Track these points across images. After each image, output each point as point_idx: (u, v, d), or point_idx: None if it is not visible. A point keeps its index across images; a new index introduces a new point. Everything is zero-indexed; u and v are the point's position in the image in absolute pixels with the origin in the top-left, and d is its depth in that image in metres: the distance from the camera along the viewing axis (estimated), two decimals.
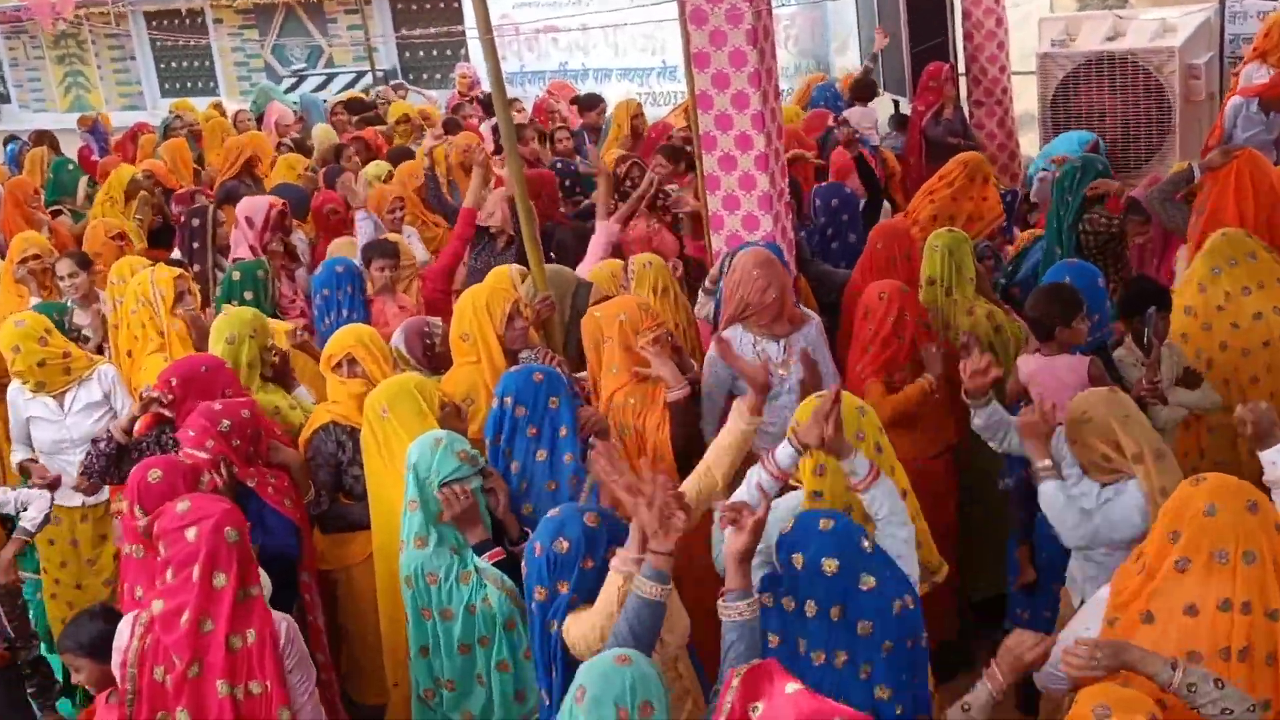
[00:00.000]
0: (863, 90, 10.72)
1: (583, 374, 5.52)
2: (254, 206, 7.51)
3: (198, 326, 6.09)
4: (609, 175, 7.59)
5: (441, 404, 4.61)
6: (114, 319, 6.59)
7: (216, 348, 5.47)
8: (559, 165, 8.62)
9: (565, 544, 3.49)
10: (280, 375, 5.63)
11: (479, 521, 4.20)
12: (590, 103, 11.78)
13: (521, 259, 6.38)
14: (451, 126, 11.04)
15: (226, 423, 4.60)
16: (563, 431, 4.53)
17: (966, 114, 10.39)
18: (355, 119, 12.71)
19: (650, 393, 5.09)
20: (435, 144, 9.33)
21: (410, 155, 9.83)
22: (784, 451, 3.88)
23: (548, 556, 3.50)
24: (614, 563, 3.44)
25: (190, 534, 3.74)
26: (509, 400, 4.50)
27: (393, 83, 16.61)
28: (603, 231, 7.18)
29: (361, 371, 5.12)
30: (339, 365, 5.13)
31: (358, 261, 6.78)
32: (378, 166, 9.19)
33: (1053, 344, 5.09)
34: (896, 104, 11.38)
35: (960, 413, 5.15)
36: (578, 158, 9.58)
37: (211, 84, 23.26)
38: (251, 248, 7.34)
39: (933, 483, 5.35)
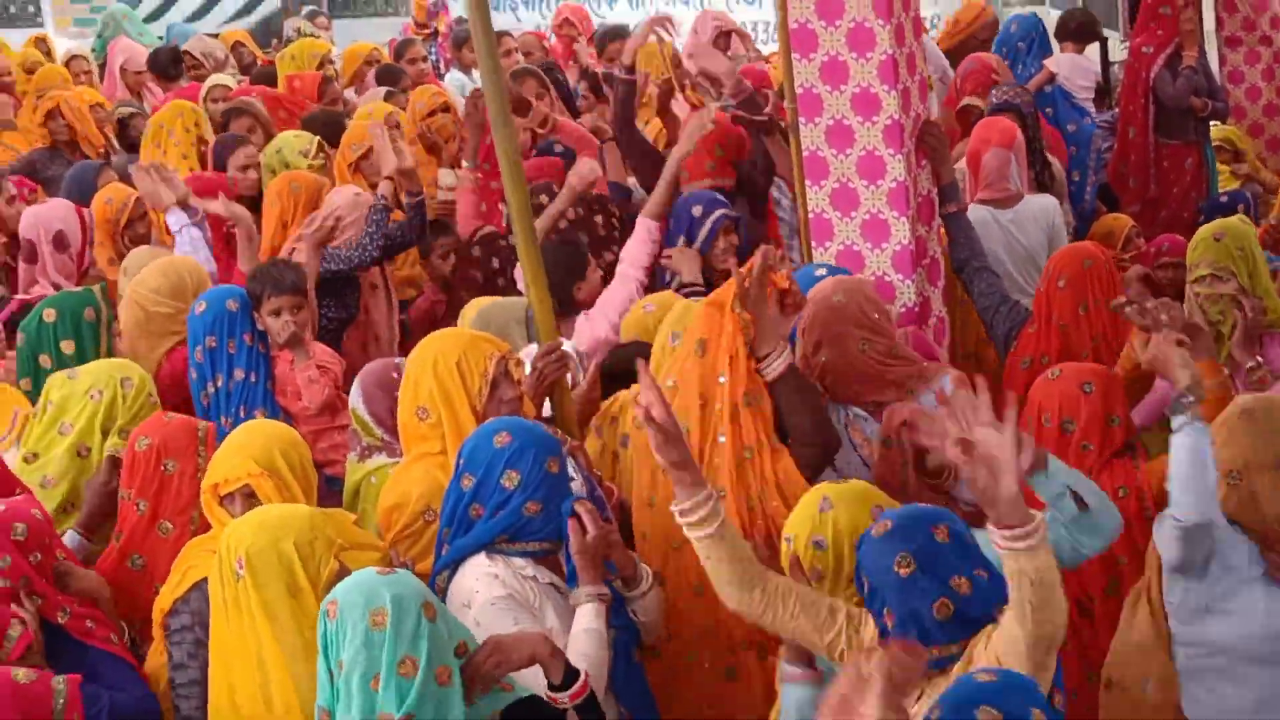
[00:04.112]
0: (1078, 27, 8.01)
1: None
2: (60, 218, 5.82)
3: None
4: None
5: (340, 570, 3.35)
6: None
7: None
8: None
9: None
10: None
11: None
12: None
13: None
14: (387, 77, 8.62)
15: (21, 527, 3.66)
16: None
17: (1216, 60, 8.00)
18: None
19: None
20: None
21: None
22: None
23: None
24: None
25: None
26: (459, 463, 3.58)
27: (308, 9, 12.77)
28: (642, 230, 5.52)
29: None
30: (229, 498, 3.85)
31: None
32: (300, 140, 6.80)
33: None
34: (1103, 45, 8.86)
35: None
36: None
37: (31, 8, 17.34)
38: (55, 285, 5.73)
39: None
